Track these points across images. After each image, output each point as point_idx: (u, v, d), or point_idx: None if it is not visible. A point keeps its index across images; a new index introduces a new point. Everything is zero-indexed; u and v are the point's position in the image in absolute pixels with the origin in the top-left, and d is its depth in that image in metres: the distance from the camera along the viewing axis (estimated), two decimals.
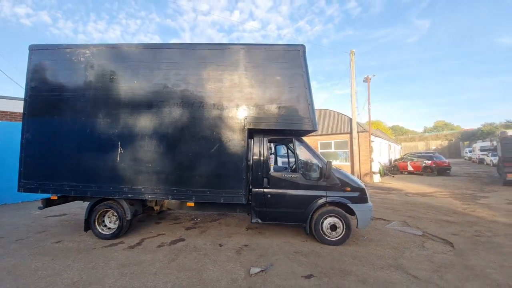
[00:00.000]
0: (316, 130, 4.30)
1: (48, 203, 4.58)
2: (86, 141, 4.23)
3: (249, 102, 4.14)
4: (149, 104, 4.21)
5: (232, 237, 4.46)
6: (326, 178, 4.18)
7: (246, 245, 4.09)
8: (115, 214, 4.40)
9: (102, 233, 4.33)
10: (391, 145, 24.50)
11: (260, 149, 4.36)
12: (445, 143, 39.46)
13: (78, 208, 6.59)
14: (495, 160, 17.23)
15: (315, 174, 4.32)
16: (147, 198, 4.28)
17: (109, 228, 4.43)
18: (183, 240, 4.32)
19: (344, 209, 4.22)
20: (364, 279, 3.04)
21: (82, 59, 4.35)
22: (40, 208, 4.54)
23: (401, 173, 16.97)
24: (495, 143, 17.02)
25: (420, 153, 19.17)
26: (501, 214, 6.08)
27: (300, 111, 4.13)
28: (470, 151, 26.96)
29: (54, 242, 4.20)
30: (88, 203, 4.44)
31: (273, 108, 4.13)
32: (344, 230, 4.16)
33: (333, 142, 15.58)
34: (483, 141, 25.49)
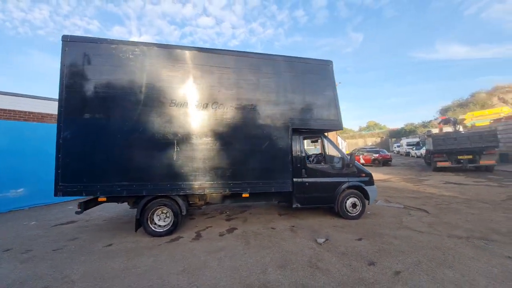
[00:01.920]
0: (342, 130, 5.38)
1: (85, 206, 4.35)
2: (139, 140, 4.23)
3: (292, 106, 4.90)
4: (205, 104, 4.50)
5: (275, 222, 5.14)
6: (349, 167, 5.29)
7: (293, 226, 4.85)
8: (164, 211, 4.52)
9: (155, 231, 4.39)
10: (341, 141, 28.42)
11: (298, 145, 5.16)
12: (378, 139, 48.00)
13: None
14: (419, 153, 22.24)
15: (339, 164, 5.39)
16: (205, 193, 4.57)
17: (159, 225, 4.50)
18: (236, 228, 4.77)
19: (359, 190, 5.42)
20: (393, 236, 4.22)
21: (131, 56, 4.29)
22: (78, 212, 4.27)
23: None
24: (422, 139, 21.88)
25: (365, 148, 23.03)
26: (444, 190, 8.44)
27: (331, 114, 5.12)
28: (398, 146, 33.64)
29: (105, 245, 4.06)
30: (126, 205, 4.49)
31: (311, 111, 5.01)
32: (361, 207, 5.37)
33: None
34: (407, 138, 32.19)
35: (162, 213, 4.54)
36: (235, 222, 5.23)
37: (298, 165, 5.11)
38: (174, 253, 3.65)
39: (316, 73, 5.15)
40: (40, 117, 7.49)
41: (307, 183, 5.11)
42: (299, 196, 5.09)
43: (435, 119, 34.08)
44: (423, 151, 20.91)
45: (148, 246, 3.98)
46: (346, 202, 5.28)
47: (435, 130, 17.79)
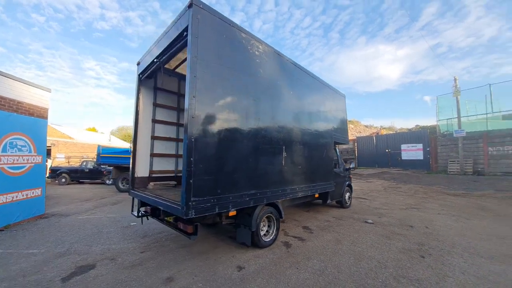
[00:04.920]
0: (348, 144, 7.49)
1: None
2: (261, 143, 3.90)
3: (332, 124, 6.37)
4: (299, 114, 4.91)
5: (318, 217, 6.17)
6: (348, 171, 7.49)
7: (334, 217, 6.17)
8: (264, 219, 4.32)
9: (266, 241, 4.10)
10: None
11: None
12: None
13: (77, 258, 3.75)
14: None
15: (343, 169, 7.45)
16: (299, 196, 4.80)
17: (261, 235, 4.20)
18: (307, 226, 5.33)
19: (349, 187, 7.73)
20: (392, 212, 6.76)
21: (257, 53, 3.91)
22: (194, 238, 3.12)
23: None
24: None
25: None
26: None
27: (345, 133, 7.11)
28: None
29: (238, 270, 3.31)
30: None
31: (337, 129, 6.71)
32: (351, 199, 7.70)
33: None
34: None
35: (262, 221, 4.27)
36: (289, 222, 5.67)
37: None
38: (328, 253, 3.88)
39: (339, 102, 6.95)
40: None
41: (334, 183, 6.67)
42: (332, 193, 6.51)
43: None
44: None
45: (283, 256, 3.77)
46: (345, 196, 7.38)
47: None
